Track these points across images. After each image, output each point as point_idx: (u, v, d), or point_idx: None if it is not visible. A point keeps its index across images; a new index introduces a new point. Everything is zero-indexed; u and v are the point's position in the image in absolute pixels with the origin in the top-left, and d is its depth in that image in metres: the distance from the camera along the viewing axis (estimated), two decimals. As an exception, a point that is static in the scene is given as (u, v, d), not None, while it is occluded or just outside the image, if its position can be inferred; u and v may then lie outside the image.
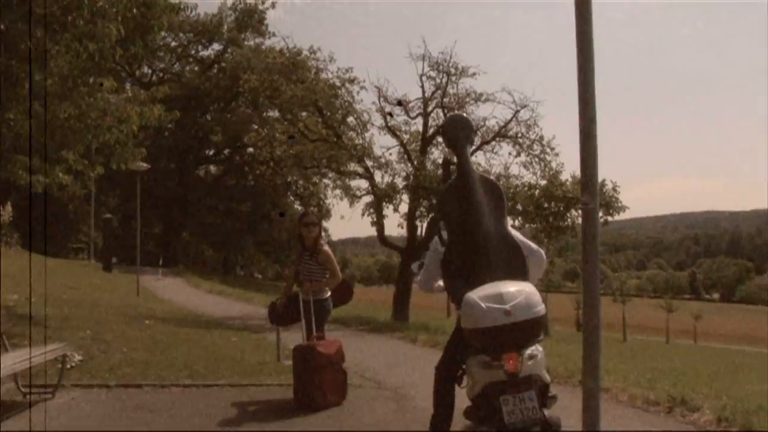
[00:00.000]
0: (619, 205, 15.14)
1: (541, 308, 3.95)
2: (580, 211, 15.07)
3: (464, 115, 4.62)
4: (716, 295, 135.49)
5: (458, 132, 4.59)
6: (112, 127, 9.73)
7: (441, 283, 4.91)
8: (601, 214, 15.21)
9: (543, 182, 16.21)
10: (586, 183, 3.57)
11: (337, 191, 22.60)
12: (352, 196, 19.80)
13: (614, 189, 15.14)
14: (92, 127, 9.73)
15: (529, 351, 4.08)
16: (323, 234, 8.50)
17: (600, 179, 15.62)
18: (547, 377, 4.29)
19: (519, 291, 3.96)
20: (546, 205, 15.55)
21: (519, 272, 4.29)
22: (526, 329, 3.94)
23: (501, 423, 3.95)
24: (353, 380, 7.61)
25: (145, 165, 18.54)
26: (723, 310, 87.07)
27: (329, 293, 6.85)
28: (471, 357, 4.34)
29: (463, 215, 4.38)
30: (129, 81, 38.11)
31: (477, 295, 4.03)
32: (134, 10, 9.12)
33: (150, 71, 46.00)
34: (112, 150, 10.59)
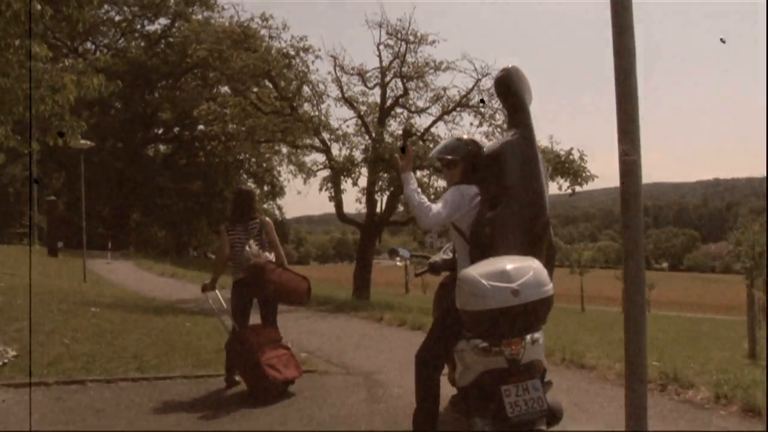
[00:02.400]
0: (587, 174, 14.75)
1: (550, 287, 3.44)
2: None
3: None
4: (665, 264, 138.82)
5: (521, 84, 4.03)
6: (45, 98, 8.83)
7: (446, 254, 4.73)
8: (568, 184, 14.89)
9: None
10: (626, 129, 2.95)
11: (291, 167, 21.85)
12: (307, 172, 19.13)
13: (581, 158, 14.75)
14: (23, 98, 8.82)
15: (530, 334, 3.60)
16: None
17: (567, 148, 15.34)
18: (545, 362, 3.86)
19: (527, 267, 3.42)
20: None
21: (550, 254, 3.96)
22: (536, 311, 3.42)
23: (502, 415, 3.49)
24: (320, 366, 7.07)
25: (88, 142, 17.48)
26: (672, 279, 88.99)
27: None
28: (463, 342, 3.89)
29: (525, 177, 3.86)
30: (71, 58, 36.37)
31: (477, 272, 3.46)
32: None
33: (93, 46, 44.11)
34: (48, 124, 9.68)
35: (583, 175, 14.75)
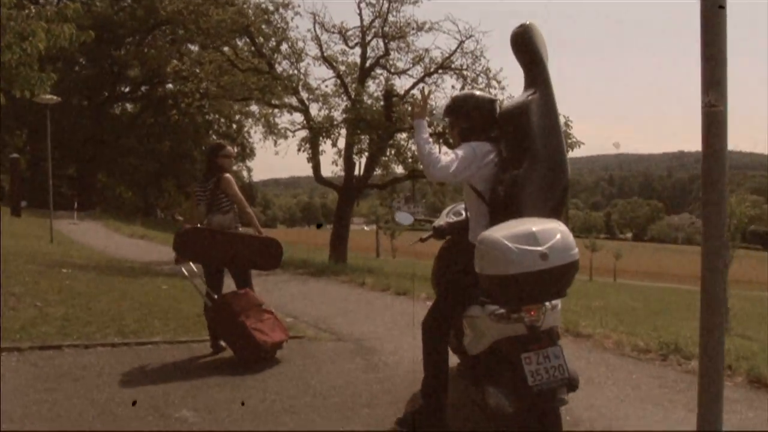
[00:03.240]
0: (574, 140, 14.54)
1: (576, 251, 3.24)
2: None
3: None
4: (629, 234, 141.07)
5: (539, 41, 3.82)
6: (12, 45, 8.29)
7: (450, 219, 4.51)
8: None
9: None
10: (712, 79, 2.63)
11: (260, 128, 21.17)
12: (278, 134, 18.67)
13: (566, 124, 14.49)
14: (-12, 45, 8.27)
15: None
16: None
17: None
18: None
19: (554, 230, 3.22)
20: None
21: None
22: (564, 275, 3.20)
23: (523, 384, 3.28)
24: (308, 332, 6.83)
25: (54, 97, 16.73)
26: (636, 249, 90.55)
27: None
28: (476, 308, 3.72)
29: (546, 138, 3.65)
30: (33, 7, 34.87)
31: (501, 234, 3.21)
32: None
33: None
34: (14, 74, 9.12)
35: (569, 141, 14.54)
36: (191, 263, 6.08)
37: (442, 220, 4.65)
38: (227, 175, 5.95)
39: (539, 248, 3.11)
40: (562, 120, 14.52)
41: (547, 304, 3.42)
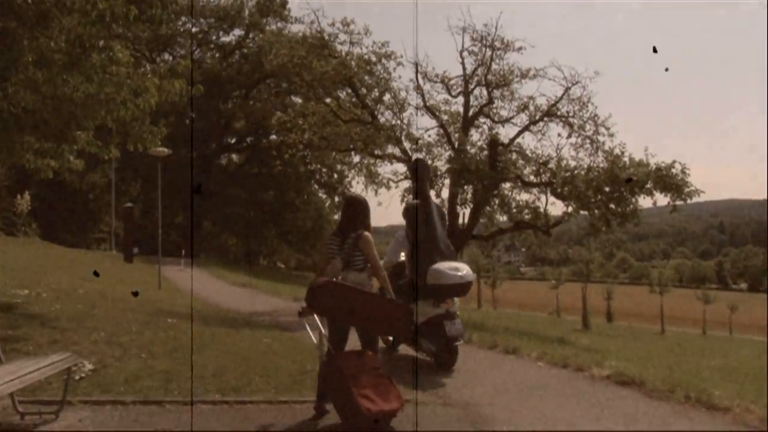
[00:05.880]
0: (692, 188, 13.71)
1: (473, 276, 8.19)
2: (644, 197, 13.87)
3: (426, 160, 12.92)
4: (744, 285, 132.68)
5: (424, 176, 9.68)
6: (127, 101, 8.57)
7: (402, 258, 8.39)
8: (668, 200, 13.89)
9: (603, 165, 14.82)
10: None
11: (362, 178, 21.11)
12: (379, 183, 18.57)
13: (683, 171, 13.71)
14: (105, 102, 8.57)
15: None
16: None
17: (669, 161, 14.29)
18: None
19: (464, 266, 8.01)
20: (607, 189, 14.15)
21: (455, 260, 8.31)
22: (465, 286, 7.99)
23: (444, 334, 7.63)
24: (411, 394, 6.43)
25: (165, 150, 17.39)
26: (753, 300, 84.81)
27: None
28: (421, 300, 7.71)
29: (426, 226, 8.17)
30: (149, 65, 37.09)
31: (442, 266, 7.81)
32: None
33: (170, 57, 44.97)
34: (128, 129, 9.44)
35: (686, 189, 13.72)
36: (317, 316, 5.83)
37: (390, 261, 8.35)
38: (367, 233, 5.68)
39: (459, 272, 7.76)
40: (678, 167, 13.65)
41: (456, 299, 8.02)
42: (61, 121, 8.43)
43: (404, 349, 8.61)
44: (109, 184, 36.93)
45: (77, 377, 6.20)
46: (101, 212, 42.59)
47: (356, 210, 5.73)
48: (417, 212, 8.02)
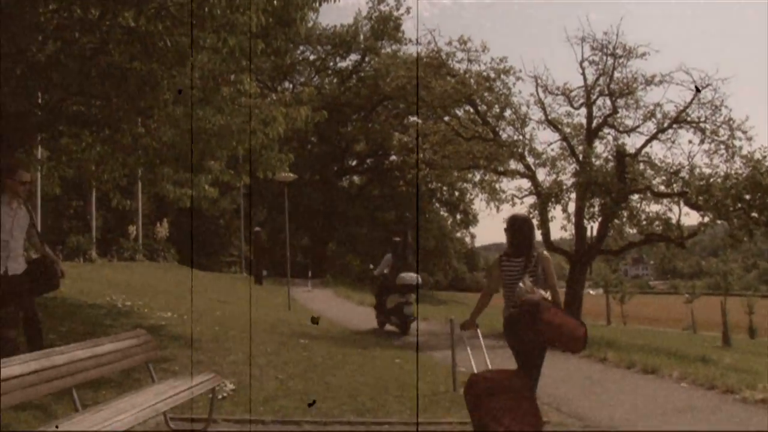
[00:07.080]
0: None
1: (420, 280, 14.42)
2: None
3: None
4: None
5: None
6: (256, 131, 8.96)
7: (386, 271, 14.49)
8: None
9: (741, 171, 13.88)
10: None
11: (485, 195, 20.84)
12: (501, 200, 18.29)
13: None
14: (236, 132, 9.01)
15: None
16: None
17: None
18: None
19: (415, 275, 14.01)
20: (747, 197, 13.20)
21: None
22: (412, 287, 13.65)
23: (402, 314, 13.58)
24: (551, 416, 6.23)
25: (291, 175, 18.03)
26: None
27: None
28: (390, 294, 13.87)
29: (402, 252, 15.42)
30: (274, 94, 38.66)
31: (405, 274, 13.79)
32: (274, 2, 8.28)
33: (290, 85, 46.75)
34: (258, 157, 9.87)
35: None
36: (479, 331, 5.79)
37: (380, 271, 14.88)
38: (546, 252, 5.80)
39: (414, 276, 13.98)
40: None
41: (412, 294, 13.80)
42: (197, 153, 8.92)
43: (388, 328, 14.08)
44: (237, 210, 38.65)
45: (220, 396, 6.46)
46: (231, 237, 44.62)
47: (528, 229, 5.77)
48: (399, 245, 15.32)
